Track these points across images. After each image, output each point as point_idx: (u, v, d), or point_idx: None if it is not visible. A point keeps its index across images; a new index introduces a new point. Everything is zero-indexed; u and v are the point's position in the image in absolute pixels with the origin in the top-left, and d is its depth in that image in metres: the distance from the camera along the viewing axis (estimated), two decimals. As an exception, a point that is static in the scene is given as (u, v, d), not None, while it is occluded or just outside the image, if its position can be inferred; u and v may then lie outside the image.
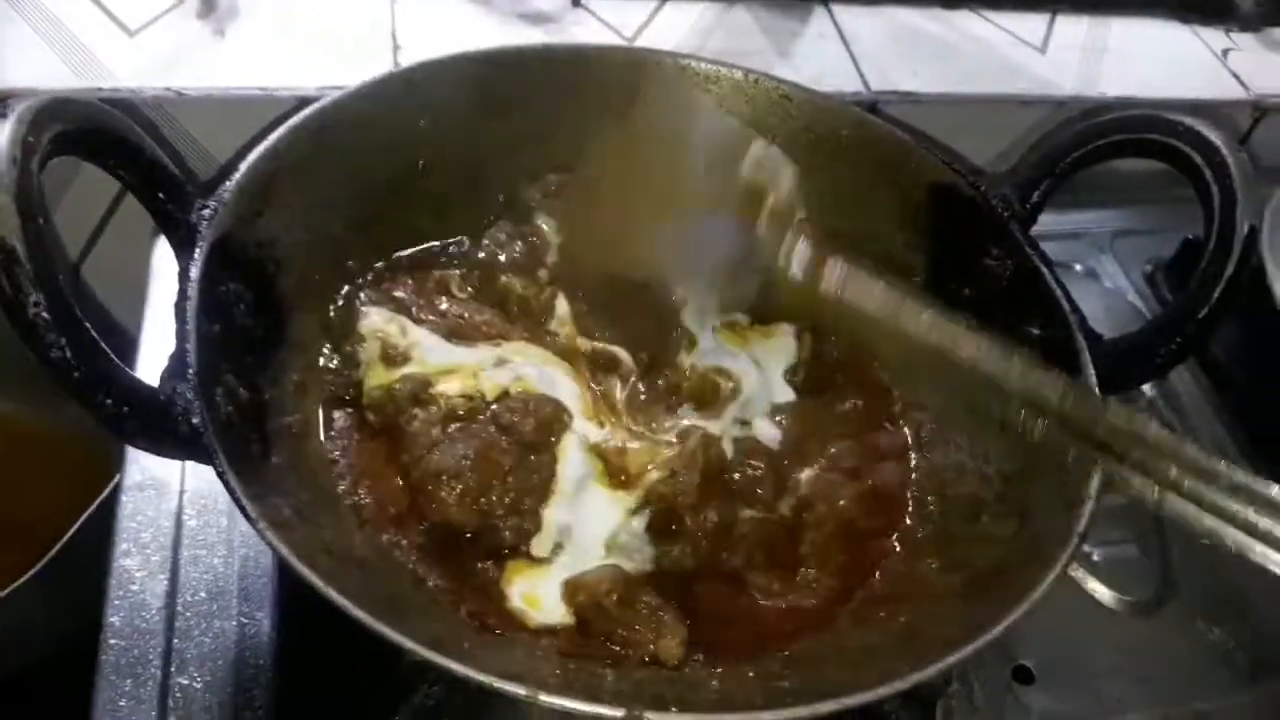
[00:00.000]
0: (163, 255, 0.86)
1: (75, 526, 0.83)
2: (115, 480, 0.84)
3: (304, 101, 0.86)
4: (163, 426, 0.51)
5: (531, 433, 0.64)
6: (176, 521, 0.71)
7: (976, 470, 0.69)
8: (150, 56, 0.89)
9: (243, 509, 0.49)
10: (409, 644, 0.46)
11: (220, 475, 0.50)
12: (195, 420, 0.51)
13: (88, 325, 0.48)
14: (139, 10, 0.92)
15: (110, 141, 0.56)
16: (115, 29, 0.91)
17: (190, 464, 0.72)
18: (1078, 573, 0.79)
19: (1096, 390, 0.64)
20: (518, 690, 0.46)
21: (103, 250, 0.93)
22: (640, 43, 1.00)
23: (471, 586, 0.60)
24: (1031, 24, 1.11)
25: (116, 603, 0.66)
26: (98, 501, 0.84)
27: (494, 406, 0.65)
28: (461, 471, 0.61)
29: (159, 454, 0.53)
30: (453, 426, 0.64)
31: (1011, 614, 0.53)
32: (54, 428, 0.99)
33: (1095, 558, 0.81)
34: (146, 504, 0.71)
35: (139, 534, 0.70)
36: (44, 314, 0.46)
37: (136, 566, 0.68)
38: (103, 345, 0.49)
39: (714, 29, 1.03)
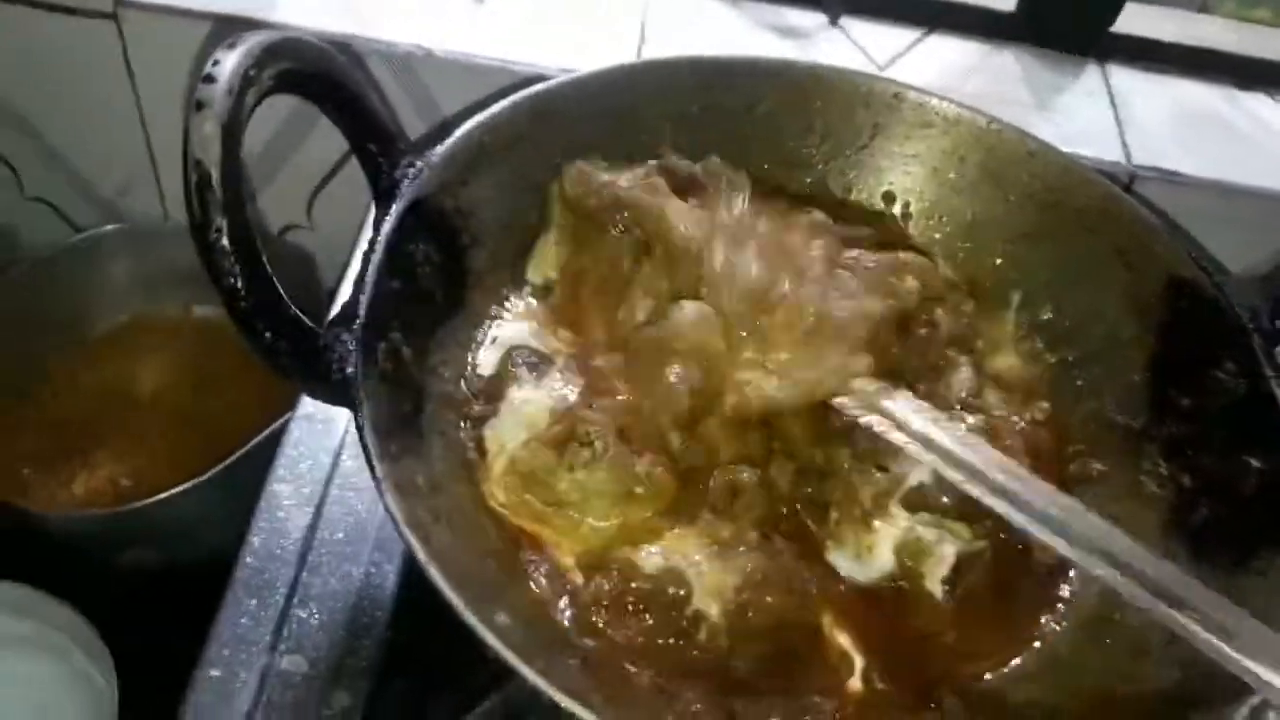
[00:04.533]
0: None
1: (259, 437, 0.88)
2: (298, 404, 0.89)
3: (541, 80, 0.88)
4: (315, 369, 0.52)
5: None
6: (334, 459, 0.73)
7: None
8: (409, 12, 0.92)
9: (371, 466, 0.50)
10: (491, 639, 0.45)
11: (358, 427, 0.51)
12: (349, 369, 0.52)
13: (264, 260, 0.50)
14: (411, -34, 0.96)
15: (332, 86, 0.57)
16: (384, -20, 0.95)
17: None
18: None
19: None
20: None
21: (332, 191, 0.98)
22: (891, 72, 0.95)
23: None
24: (1339, 120, 1.00)
25: (262, 524, 0.69)
26: (279, 422, 0.89)
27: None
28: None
29: (310, 394, 0.54)
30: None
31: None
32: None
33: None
34: (311, 436, 0.74)
35: (298, 463, 0.72)
36: (224, 241, 0.48)
37: (288, 494, 0.71)
38: (274, 281, 0.50)
39: (975, 70, 0.98)
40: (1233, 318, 0.66)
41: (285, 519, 0.70)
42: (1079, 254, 0.74)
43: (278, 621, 0.65)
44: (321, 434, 0.74)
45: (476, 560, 0.56)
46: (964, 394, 0.68)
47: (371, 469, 0.50)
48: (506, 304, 0.69)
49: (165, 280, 1.07)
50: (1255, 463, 0.62)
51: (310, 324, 0.52)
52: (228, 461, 0.90)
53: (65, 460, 1.00)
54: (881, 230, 0.77)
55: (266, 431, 0.90)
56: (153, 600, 0.95)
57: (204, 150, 0.48)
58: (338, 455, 0.73)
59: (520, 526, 0.61)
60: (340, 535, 0.69)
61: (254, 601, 0.66)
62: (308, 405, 0.76)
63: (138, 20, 0.90)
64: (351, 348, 0.53)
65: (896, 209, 0.79)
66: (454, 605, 0.46)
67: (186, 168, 0.48)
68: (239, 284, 0.48)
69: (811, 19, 0.98)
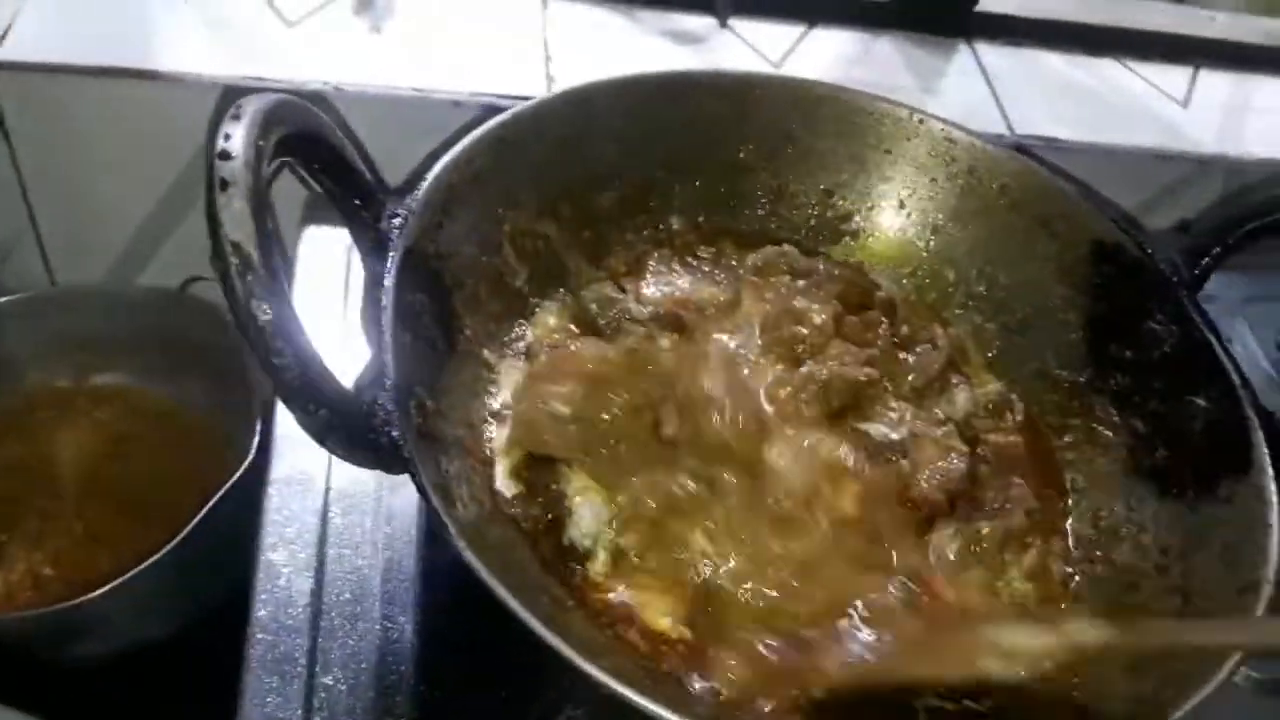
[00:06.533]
0: (310, 242, 0.87)
1: (204, 511, 0.84)
2: (244, 465, 0.85)
3: (459, 106, 0.88)
4: (363, 437, 0.51)
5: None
6: (322, 519, 0.71)
7: (1132, 538, 0.68)
8: (308, 49, 0.89)
9: (442, 525, 0.49)
10: (603, 677, 0.46)
11: (420, 490, 0.50)
12: (394, 432, 0.51)
13: (306, 333, 0.49)
14: (299, 2, 0.93)
15: (321, 147, 0.56)
16: (276, 19, 0.92)
17: (336, 462, 0.73)
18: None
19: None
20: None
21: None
22: (786, 69, 0.99)
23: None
24: (1174, 78, 1.10)
25: (264, 597, 0.67)
26: (226, 486, 0.85)
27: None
28: None
29: (353, 462, 0.53)
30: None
31: (1181, 705, 0.52)
32: (184, 408, 1.00)
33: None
34: (293, 499, 0.71)
35: (284, 529, 0.70)
36: (272, 320, 0.47)
37: (283, 562, 0.68)
38: (317, 354, 0.49)
39: (858, 60, 1.03)
40: (1157, 272, 0.72)
41: (287, 587, 0.67)
42: (1005, 229, 0.79)
43: (305, 693, 0.63)
44: (302, 495, 0.72)
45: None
46: (964, 414, 0.73)
47: (447, 529, 0.49)
48: (488, 353, 0.69)
49: (56, 350, 1.00)
50: (1200, 402, 0.68)
51: (351, 393, 0.51)
52: (167, 548, 0.84)
53: (-24, 556, 0.93)
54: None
55: (208, 506, 0.85)
56: (104, 692, 0.90)
57: (239, 230, 0.46)
58: (325, 514, 0.71)
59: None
60: (347, 595, 0.68)
61: (275, 678, 0.64)
62: (281, 469, 0.73)
63: (13, 80, 0.84)
64: (391, 409, 0.52)
65: (835, 203, 0.82)
66: (574, 662, 0.46)
67: (222, 252, 0.46)
68: (290, 363, 0.47)
69: (702, 23, 1.00)
